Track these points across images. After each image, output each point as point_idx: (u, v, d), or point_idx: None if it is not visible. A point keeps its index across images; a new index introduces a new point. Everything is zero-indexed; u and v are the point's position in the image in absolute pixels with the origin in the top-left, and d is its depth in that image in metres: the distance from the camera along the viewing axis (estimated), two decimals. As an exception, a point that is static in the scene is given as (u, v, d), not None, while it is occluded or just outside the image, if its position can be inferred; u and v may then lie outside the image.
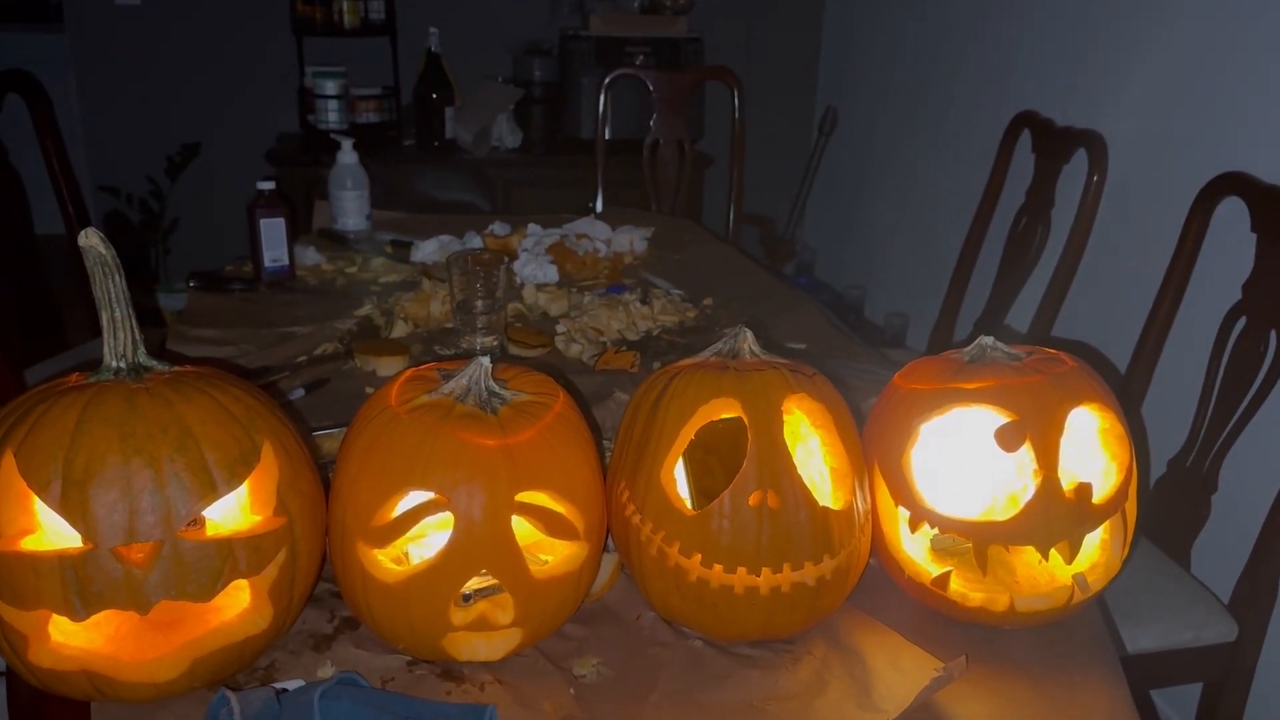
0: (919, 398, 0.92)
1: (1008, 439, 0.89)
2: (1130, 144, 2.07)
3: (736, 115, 2.62)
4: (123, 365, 0.82)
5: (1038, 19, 2.44)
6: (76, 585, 0.74)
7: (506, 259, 1.55)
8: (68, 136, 2.12)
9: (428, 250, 1.90)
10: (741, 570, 0.84)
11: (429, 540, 0.87)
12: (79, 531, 0.74)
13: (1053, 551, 0.89)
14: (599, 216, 2.20)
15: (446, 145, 3.08)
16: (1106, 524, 0.92)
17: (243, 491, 0.81)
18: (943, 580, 0.91)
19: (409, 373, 0.89)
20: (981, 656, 0.89)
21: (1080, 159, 1.93)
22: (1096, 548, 0.93)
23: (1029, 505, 0.88)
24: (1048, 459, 0.88)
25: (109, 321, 0.81)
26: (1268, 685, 1.64)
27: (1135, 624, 1.46)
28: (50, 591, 0.74)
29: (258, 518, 0.81)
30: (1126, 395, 1.72)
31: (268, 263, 1.74)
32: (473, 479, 0.80)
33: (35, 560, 0.74)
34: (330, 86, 2.97)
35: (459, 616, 0.82)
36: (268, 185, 1.73)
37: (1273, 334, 1.50)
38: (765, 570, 0.84)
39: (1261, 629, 1.51)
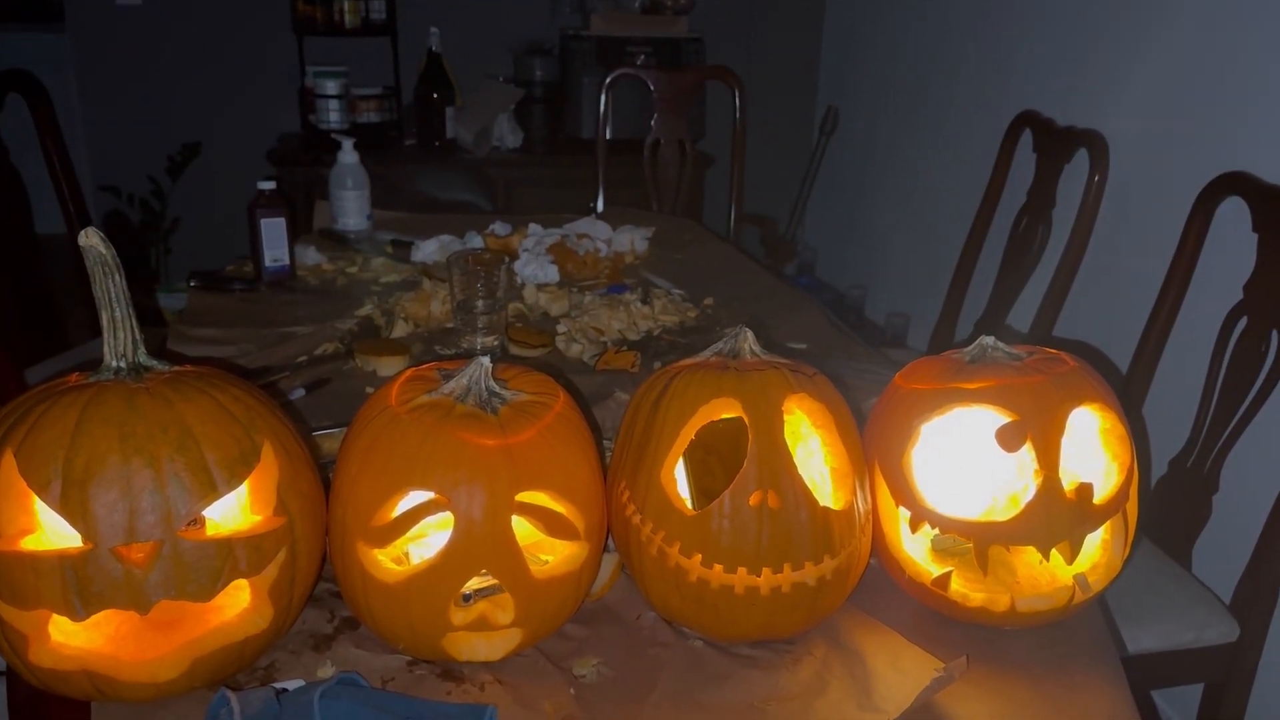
0: (920, 398, 0.92)
1: (1009, 439, 0.89)
2: (1131, 144, 2.07)
3: (737, 115, 2.62)
4: (123, 365, 0.82)
5: (1039, 19, 2.44)
6: (76, 585, 0.74)
7: (507, 259, 1.55)
8: (68, 136, 2.12)
9: (428, 250, 1.90)
10: (742, 570, 0.84)
11: (429, 540, 0.87)
12: (79, 531, 0.74)
13: (1054, 552, 0.89)
14: (600, 216, 2.20)
15: (447, 145, 3.08)
16: (1107, 524, 0.92)
17: (243, 491, 0.80)
18: (943, 580, 0.91)
19: (409, 372, 0.89)
20: (982, 657, 0.89)
21: (1081, 159, 1.93)
22: (1097, 548, 0.93)
23: (1030, 505, 0.88)
24: (1049, 459, 0.88)
25: (109, 321, 0.81)
26: (1269, 686, 1.64)
27: (1136, 624, 1.46)
28: (50, 591, 0.74)
29: (258, 517, 0.81)
30: (1127, 395, 1.72)
31: (268, 262, 1.74)
32: (473, 479, 0.80)
33: (35, 560, 0.74)
34: (331, 86, 2.97)
35: (459, 616, 0.82)
36: (268, 185, 1.73)
37: (1274, 334, 1.50)
38: (765, 570, 0.84)
39: (1263, 629, 1.51)
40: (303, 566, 0.84)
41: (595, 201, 2.60)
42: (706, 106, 3.17)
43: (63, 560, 0.74)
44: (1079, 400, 0.90)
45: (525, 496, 0.82)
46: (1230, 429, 1.54)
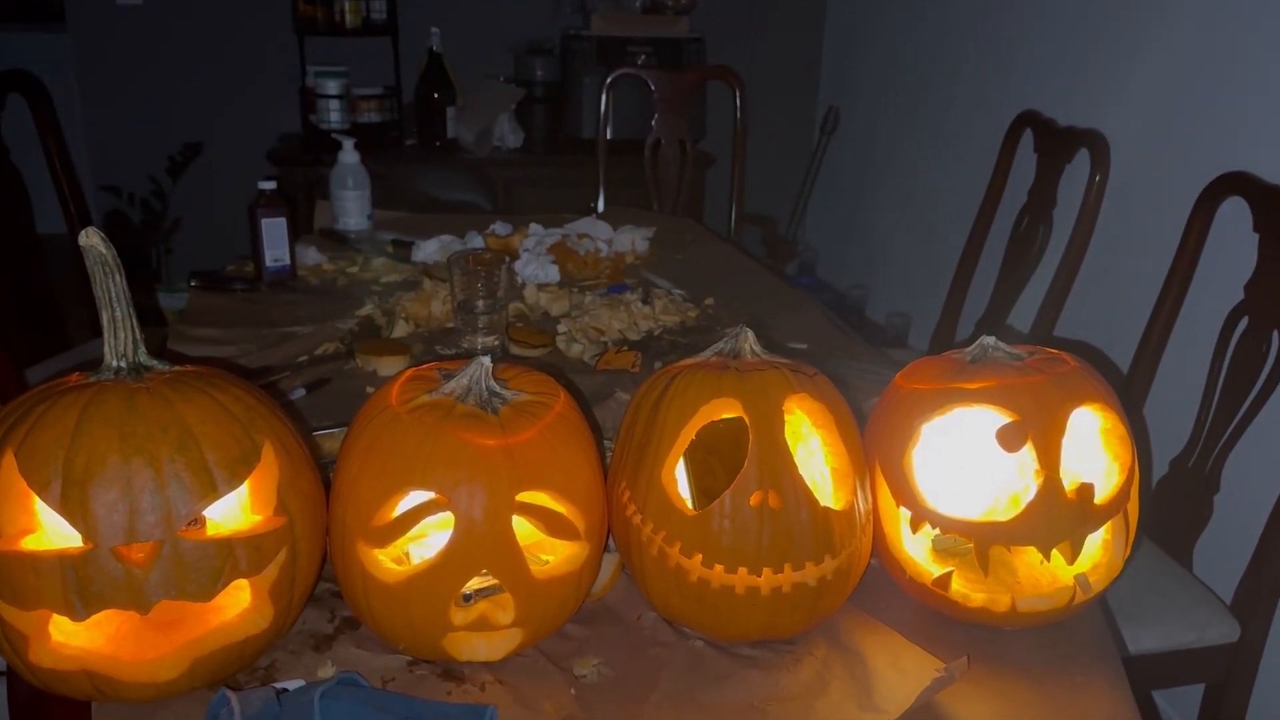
0: (920, 398, 0.92)
1: (1009, 439, 0.89)
2: (1132, 144, 2.07)
3: (738, 115, 2.62)
4: (123, 365, 0.82)
5: (1039, 19, 2.44)
6: (77, 585, 0.74)
7: (508, 259, 1.55)
8: (69, 136, 2.12)
9: (429, 250, 1.90)
10: (742, 570, 0.84)
11: (430, 540, 0.87)
12: (79, 531, 0.74)
13: (1054, 552, 0.89)
14: (600, 216, 2.20)
15: (448, 145, 3.08)
16: (1108, 524, 0.92)
17: (243, 491, 0.80)
18: (944, 581, 0.91)
19: (410, 372, 0.89)
20: (983, 657, 0.89)
21: (1082, 159, 1.93)
22: (1098, 548, 0.93)
23: (1031, 505, 0.88)
24: (1049, 459, 0.88)
25: (109, 321, 0.81)
26: (1270, 686, 1.64)
27: (1137, 624, 1.46)
28: (50, 591, 0.74)
29: (258, 517, 0.81)
30: (1128, 395, 1.72)
31: (269, 262, 1.74)
32: (473, 479, 0.79)
33: (35, 560, 0.74)
34: (332, 86, 2.97)
35: (459, 616, 0.82)
36: (269, 185, 1.73)
37: (1275, 334, 1.50)
38: (766, 570, 0.84)
39: (1264, 630, 1.50)
40: (303, 566, 0.84)
41: (596, 201, 2.60)
42: (707, 106, 3.17)
43: (63, 560, 0.74)
44: (1080, 400, 0.90)
45: (526, 496, 0.82)
46: (1231, 429, 1.54)
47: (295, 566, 0.83)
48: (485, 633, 0.83)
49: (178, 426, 0.77)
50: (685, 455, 0.90)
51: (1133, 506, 0.93)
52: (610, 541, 0.94)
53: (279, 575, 0.82)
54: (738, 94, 2.60)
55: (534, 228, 2.01)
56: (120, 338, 0.82)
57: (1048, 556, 0.89)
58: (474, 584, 0.83)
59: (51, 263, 2.10)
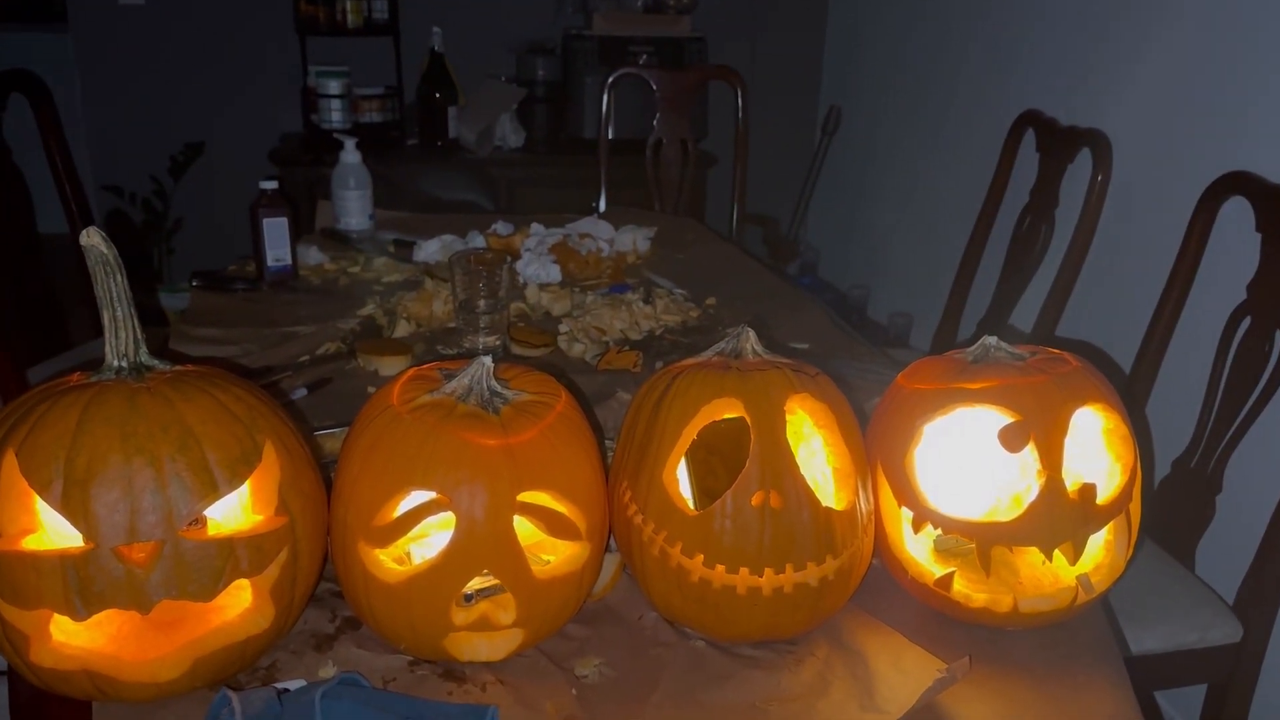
0: (922, 398, 0.92)
1: (1011, 439, 0.89)
2: (1134, 143, 2.07)
3: (740, 115, 2.61)
4: (124, 364, 0.82)
5: (1041, 18, 2.44)
6: (78, 585, 0.74)
7: (509, 258, 1.55)
8: (71, 136, 2.12)
9: (430, 250, 1.90)
10: (744, 571, 0.84)
11: (431, 540, 0.87)
12: (80, 531, 0.74)
13: (1056, 552, 0.89)
14: (602, 216, 2.20)
15: (449, 145, 3.08)
16: (1110, 525, 0.91)
17: (244, 491, 0.80)
18: (946, 581, 0.91)
19: (411, 372, 0.89)
20: (985, 657, 0.89)
21: (1084, 158, 1.93)
22: (1100, 548, 0.92)
23: (1033, 506, 0.88)
24: (1051, 459, 0.88)
25: (111, 321, 0.81)
26: (1272, 687, 1.63)
27: (1139, 625, 1.46)
28: (51, 591, 0.74)
29: (259, 517, 0.81)
30: (1131, 395, 1.72)
31: (270, 262, 1.74)
32: (474, 479, 0.79)
33: (37, 560, 0.74)
34: (333, 86, 2.97)
35: (461, 616, 0.82)
36: (271, 185, 1.73)
37: (1277, 334, 1.49)
38: (768, 571, 0.84)
39: (1266, 630, 1.50)
40: (304, 566, 0.84)
41: (597, 201, 2.60)
42: (709, 106, 3.17)
43: (64, 560, 0.74)
44: (1082, 400, 0.90)
45: (527, 496, 0.82)
46: (1234, 429, 1.53)
47: (296, 566, 0.83)
48: (486, 633, 0.83)
49: (179, 426, 0.77)
50: (687, 455, 0.90)
51: (1135, 507, 0.93)
52: (611, 541, 0.94)
53: (280, 575, 0.81)
54: (739, 94, 2.60)
55: (535, 227, 2.01)
56: (121, 337, 0.82)
57: (1050, 557, 0.89)
58: (475, 584, 0.83)
59: (53, 262, 2.11)
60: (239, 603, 0.81)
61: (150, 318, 2.70)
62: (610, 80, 2.58)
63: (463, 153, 3.10)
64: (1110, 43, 2.19)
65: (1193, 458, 1.60)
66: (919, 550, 0.93)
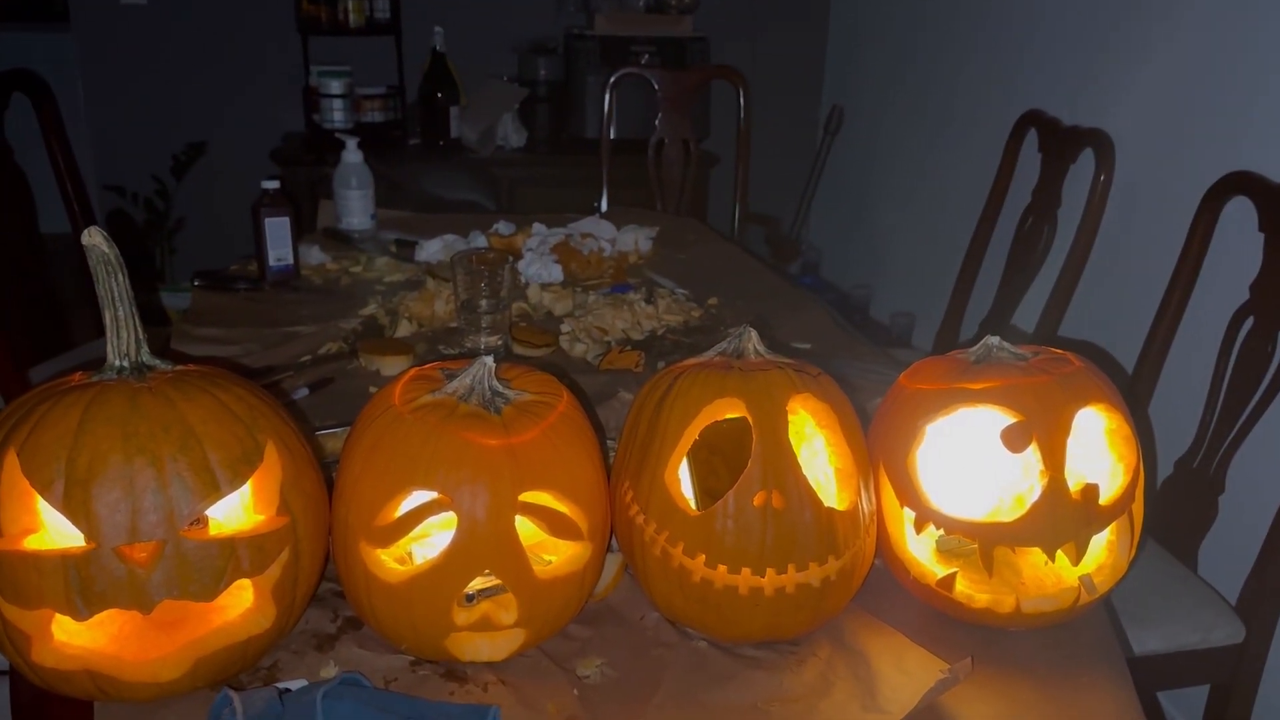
0: (924, 398, 0.92)
1: (1014, 439, 0.89)
2: (1137, 143, 2.06)
3: (742, 114, 2.61)
4: (126, 364, 0.82)
5: (1044, 18, 2.43)
6: (79, 584, 0.74)
7: (511, 258, 1.55)
8: (73, 135, 2.12)
9: (432, 249, 1.90)
10: (746, 571, 0.84)
11: (432, 540, 0.87)
12: (82, 531, 0.74)
13: (1059, 553, 0.89)
14: (604, 216, 2.20)
15: (451, 144, 3.08)
16: (1113, 525, 0.91)
17: (246, 491, 0.80)
18: (948, 581, 0.91)
19: (413, 372, 0.89)
20: (987, 658, 0.89)
21: (1087, 158, 1.93)
22: (1103, 549, 0.92)
23: (1035, 506, 0.88)
24: (1054, 460, 0.87)
25: (112, 320, 0.81)
26: (1275, 688, 1.63)
27: (1142, 626, 1.45)
28: (53, 591, 0.74)
29: (261, 517, 0.81)
30: (1133, 395, 1.71)
31: (272, 262, 1.74)
32: (476, 479, 0.79)
33: (38, 559, 0.74)
34: (335, 85, 2.98)
35: (462, 617, 0.82)
36: (272, 184, 1.73)
37: (1281, 334, 1.49)
38: (769, 571, 0.84)
39: (1269, 631, 1.50)
40: (306, 566, 0.84)
41: (599, 201, 2.60)
42: (711, 106, 3.17)
43: (65, 560, 0.74)
44: (1084, 400, 0.90)
45: (528, 496, 0.81)
46: (1236, 429, 1.53)
47: (298, 566, 0.83)
48: (488, 633, 0.83)
49: (180, 426, 0.77)
50: (688, 455, 0.90)
51: (1138, 507, 0.93)
52: (613, 542, 0.94)
53: (281, 575, 0.81)
54: (741, 93, 2.60)
55: (537, 227, 2.01)
56: (123, 337, 0.82)
57: (1052, 557, 0.89)
58: (477, 584, 0.82)
59: (55, 262, 2.11)
60: (240, 603, 0.81)
61: (152, 317, 2.70)
62: (612, 80, 2.58)
63: (465, 152, 3.10)
64: (1113, 43, 2.18)
65: (1195, 458, 1.60)
66: (921, 551, 0.93)
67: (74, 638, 0.78)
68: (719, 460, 0.93)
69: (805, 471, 0.85)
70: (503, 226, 2.03)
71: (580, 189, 2.85)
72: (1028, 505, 0.88)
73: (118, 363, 0.81)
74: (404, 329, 1.57)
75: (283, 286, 1.75)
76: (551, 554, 0.87)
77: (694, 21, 3.20)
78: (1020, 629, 0.92)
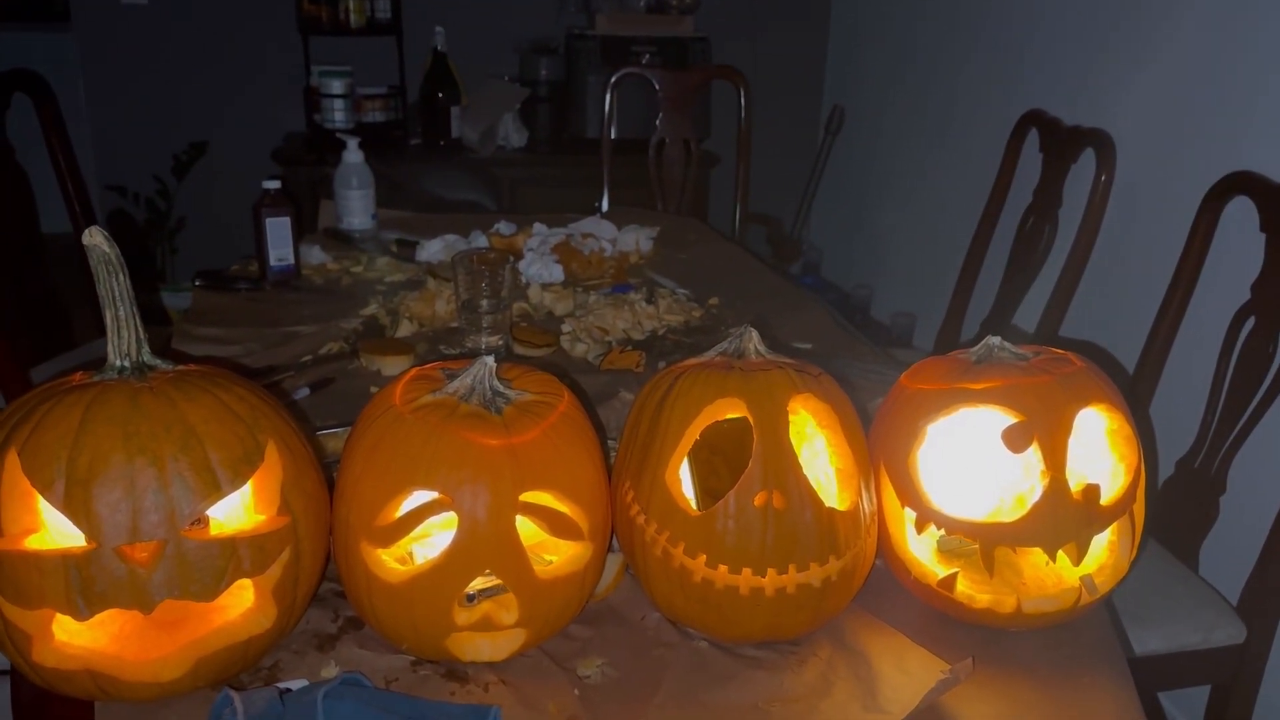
0: (926, 398, 0.92)
1: (1015, 440, 0.89)
2: (1138, 143, 2.06)
3: (743, 114, 2.61)
4: (127, 364, 0.82)
5: (1045, 18, 2.43)
6: (80, 584, 0.74)
7: (512, 258, 1.55)
8: (74, 135, 2.12)
9: (433, 249, 1.90)
10: (746, 571, 0.84)
11: (433, 540, 0.87)
12: (82, 531, 0.74)
13: (1060, 553, 0.89)
14: (605, 215, 2.20)
15: (452, 144, 3.08)
16: (1114, 525, 0.91)
17: (247, 491, 0.80)
18: (949, 582, 0.91)
19: (413, 372, 0.89)
20: (988, 658, 0.88)
21: (1088, 158, 1.92)
22: (1104, 549, 0.92)
23: (1036, 506, 0.88)
24: (1055, 460, 0.87)
25: (113, 320, 0.81)
26: (1276, 688, 1.63)
27: (1143, 626, 1.45)
28: (54, 590, 0.74)
29: (262, 517, 0.81)
30: (1134, 396, 1.71)
31: (273, 262, 1.74)
32: (477, 479, 0.79)
33: (39, 559, 0.74)
34: (336, 85, 2.98)
35: (463, 617, 0.82)
36: (273, 184, 1.73)
37: (1282, 334, 1.49)
38: (770, 571, 0.84)
39: (1270, 631, 1.50)
40: (306, 566, 0.84)
41: (600, 201, 2.60)
42: (712, 106, 3.17)
43: (66, 559, 0.74)
44: (1086, 401, 0.90)
45: (529, 496, 0.81)
46: (1238, 430, 1.53)
47: (299, 566, 0.83)
48: (489, 633, 0.83)
49: (181, 426, 0.77)
50: (689, 455, 0.90)
51: (1139, 508, 0.93)
52: (614, 542, 0.94)
53: (282, 575, 0.81)
54: (742, 93, 2.60)
55: (538, 227, 2.01)
56: (124, 337, 0.82)
57: (1053, 558, 0.89)
58: (477, 584, 0.82)
59: (56, 262, 2.11)
60: (241, 602, 0.81)
61: (153, 317, 2.70)
62: (613, 80, 2.58)
63: (465, 152, 3.10)
64: (1114, 42, 2.18)
65: (1196, 458, 1.60)
66: (922, 551, 0.93)
67: (75, 637, 0.78)
68: (720, 460, 0.93)
69: (806, 471, 0.85)
70: (504, 226, 2.03)
71: (581, 189, 2.85)
72: (1029, 505, 0.88)
73: (119, 362, 0.82)
74: (405, 329, 1.57)
75: (284, 286, 1.75)
76: (552, 554, 0.87)
77: (695, 21, 3.20)
78: (1021, 629, 0.92)
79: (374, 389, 1.36)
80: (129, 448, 0.74)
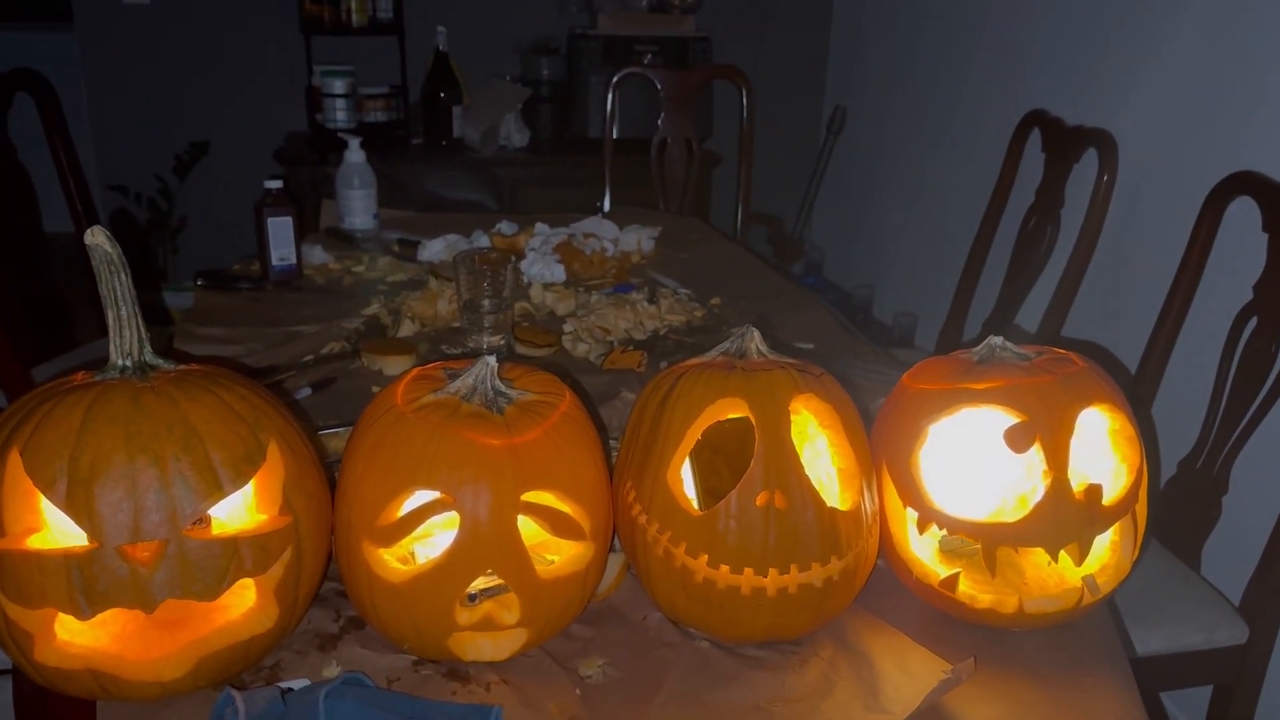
0: (928, 398, 0.92)
1: (1017, 440, 0.89)
2: (1140, 143, 2.06)
3: (745, 114, 2.61)
4: (128, 364, 0.82)
5: (1047, 18, 2.43)
6: (82, 584, 0.74)
7: (514, 258, 1.55)
8: (76, 135, 2.13)
9: (435, 249, 1.90)
10: (748, 571, 0.84)
11: (435, 540, 0.87)
12: (84, 530, 0.74)
13: (1062, 553, 0.88)
14: (606, 215, 2.20)
15: (454, 144, 3.08)
16: (1116, 525, 0.91)
17: (248, 490, 0.80)
18: (951, 582, 0.91)
19: (415, 372, 0.89)
20: (990, 658, 0.88)
21: (1090, 158, 1.92)
22: (1106, 549, 0.92)
23: (1038, 506, 0.88)
24: (1057, 460, 0.87)
25: (115, 320, 0.81)
26: (1278, 688, 1.63)
27: (1145, 626, 1.45)
28: (56, 590, 0.74)
29: (263, 517, 0.81)
30: (1137, 396, 1.71)
31: (275, 261, 1.74)
32: (478, 478, 0.79)
33: (41, 559, 0.74)
34: (338, 85, 2.98)
35: (464, 616, 0.82)
36: (275, 184, 1.73)
37: (1284, 334, 1.49)
38: (772, 571, 0.84)
39: (1272, 631, 1.50)
40: (308, 566, 0.84)
41: (602, 201, 2.60)
42: (714, 105, 3.17)
43: (68, 559, 0.74)
44: (1088, 401, 0.90)
45: (531, 496, 0.81)
46: (1240, 430, 1.53)
47: (300, 566, 0.83)
48: (490, 633, 0.83)
49: (183, 425, 0.77)
50: (691, 455, 0.90)
51: (1141, 508, 0.92)
52: (616, 541, 0.94)
53: (284, 574, 0.81)
54: (744, 93, 2.60)
55: (540, 227, 2.01)
56: (126, 336, 0.82)
57: (1055, 558, 0.89)
58: (479, 584, 0.82)
59: (58, 262, 2.11)
60: (243, 602, 0.81)
61: (155, 317, 2.70)
62: (615, 80, 2.58)
63: (467, 152, 3.10)
64: (1116, 42, 2.18)
65: (1199, 458, 1.60)
66: (924, 551, 0.93)
67: (77, 637, 0.78)
68: (721, 460, 0.93)
69: (808, 471, 0.85)
70: (505, 226, 2.03)
71: (583, 189, 2.85)
72: (1031, 505, 0.88)
73: (120, 362, 0.82)
74: (406, 329, 1.57)
75: (285, 286, 1.75)
76: (554, 554, 0.87)
77: (697, 21, 3.20)
78: (1023, 629, 0.92)
79: (376, 389, 1.36)
80: (131, 447, 0.75)
